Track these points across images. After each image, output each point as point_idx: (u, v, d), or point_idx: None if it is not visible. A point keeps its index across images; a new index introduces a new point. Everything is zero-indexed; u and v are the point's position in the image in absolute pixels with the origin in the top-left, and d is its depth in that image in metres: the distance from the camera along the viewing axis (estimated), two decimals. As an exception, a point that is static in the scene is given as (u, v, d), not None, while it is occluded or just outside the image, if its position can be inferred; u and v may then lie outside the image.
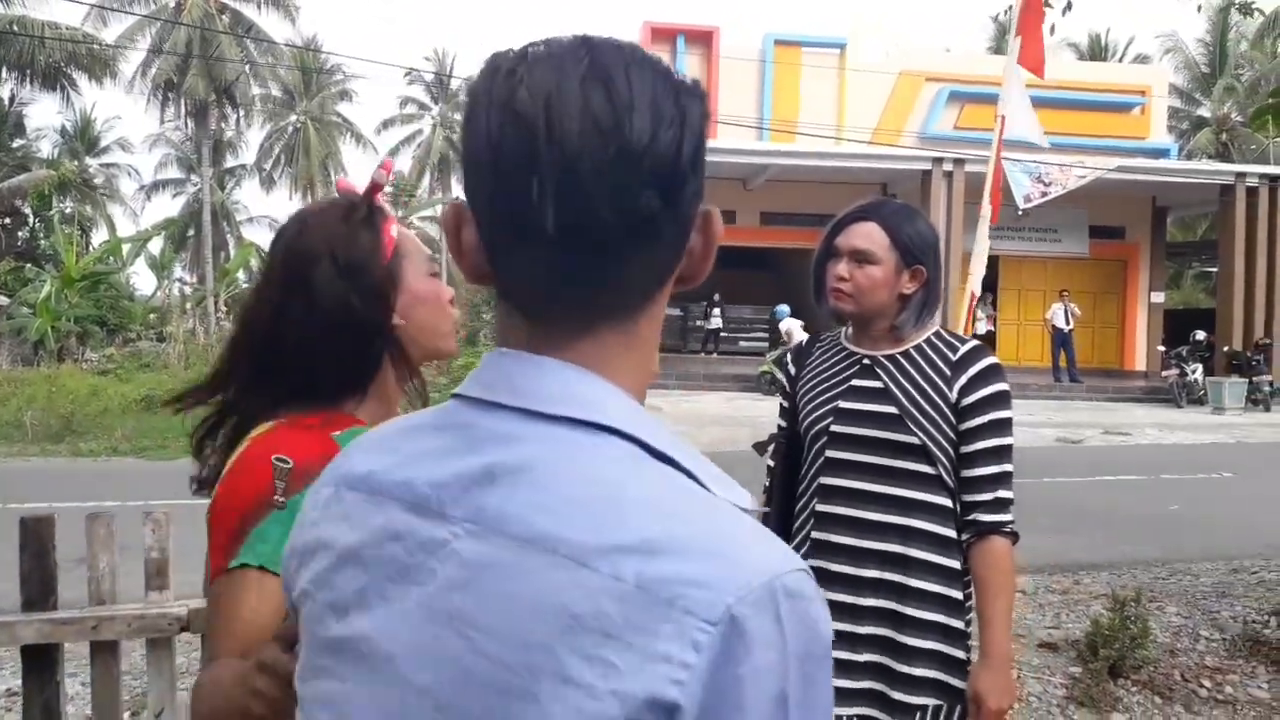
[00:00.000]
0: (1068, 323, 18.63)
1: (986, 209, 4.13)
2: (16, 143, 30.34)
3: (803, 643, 0.54)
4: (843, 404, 1.89)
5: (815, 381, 1.98)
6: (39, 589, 2.20)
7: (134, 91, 29.36)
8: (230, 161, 39.24)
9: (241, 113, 32.83)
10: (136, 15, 28.33)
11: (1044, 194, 15.71)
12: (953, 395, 1.83)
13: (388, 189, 1.29)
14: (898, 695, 1.80)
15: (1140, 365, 21.26)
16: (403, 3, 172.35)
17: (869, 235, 1.87)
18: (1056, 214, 18.93)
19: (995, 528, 1.80)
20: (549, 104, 0.57)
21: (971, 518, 1.82)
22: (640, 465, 0.59)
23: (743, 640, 0.52)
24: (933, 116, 20.83)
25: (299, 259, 1.19)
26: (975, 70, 20.69)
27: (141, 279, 40.05)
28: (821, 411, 1.92)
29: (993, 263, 9.45)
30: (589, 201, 0.57)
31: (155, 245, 27.15)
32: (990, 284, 16.80)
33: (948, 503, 1.83)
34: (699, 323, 22.00)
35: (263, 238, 34.26)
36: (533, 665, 0.53)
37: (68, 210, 29.23)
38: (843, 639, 1.83)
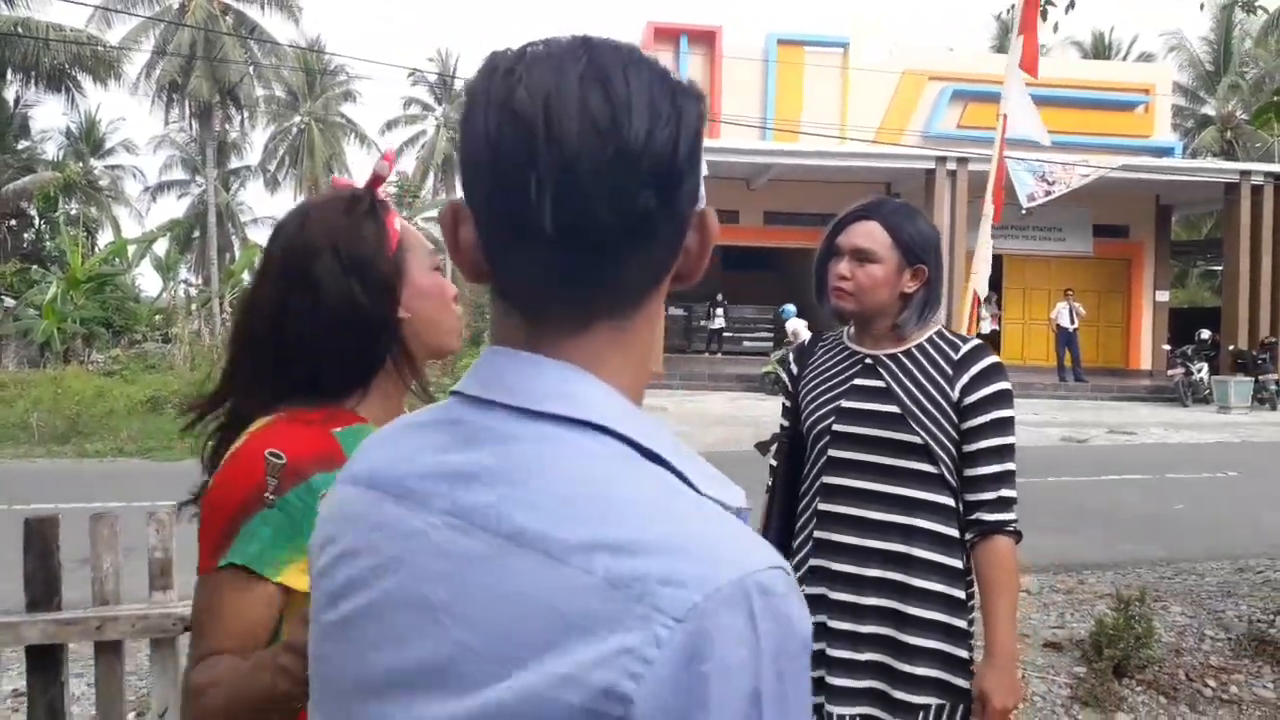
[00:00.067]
0: (1072, 322, 18.59)
1: (989, 208, 4.12)
2: (22, 145, 30.46)
3: (777, 640, 0.54)
4: (845, 403, 1.89)
5: (817, 381, 1.98)
6: (43, 589, 2.20)
7: (138, 93, 29.40)
8: (235, 163, 39.29)
9: (245, 114, 32.85)
10: (140, 17, 28.37)
11: (1048, 193, 15.74)
12: (954, 394, 1.83)
13: (391, 187, 1.28)
14: (900, 694, 1.80)
15: (1145, 364, 21.22)
16: (401, 1, 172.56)
17: (870, 234, 1.87)
18: (1061, 213, 18.92)
19: (998, 527, 1.80)
20: (548, 103, 0.57)
21: (975, 517, 1.82)
22: (628, 464, 0.59)
23: (709, 637, 0.52)
24: (936, 115, 20.80)
25: (301, 253, 1.16)
26: (978, 69, 20.64)
27: (147, 280, 40.17)
28: (824, 411, 1.92)
29: (997, 262, 9.43)
30: (587, 201, 0.57)
31: (160, 247, 27.18)
32: (995, 283, 16.75)
33: (950, 502, 1.83)
34: (702, 323, 22.01)
35: (267, 239, 34.23)
36: (503, 655, 0.55)
37: (73, 212, 29.35)
38: (845, 638, 1.83)
